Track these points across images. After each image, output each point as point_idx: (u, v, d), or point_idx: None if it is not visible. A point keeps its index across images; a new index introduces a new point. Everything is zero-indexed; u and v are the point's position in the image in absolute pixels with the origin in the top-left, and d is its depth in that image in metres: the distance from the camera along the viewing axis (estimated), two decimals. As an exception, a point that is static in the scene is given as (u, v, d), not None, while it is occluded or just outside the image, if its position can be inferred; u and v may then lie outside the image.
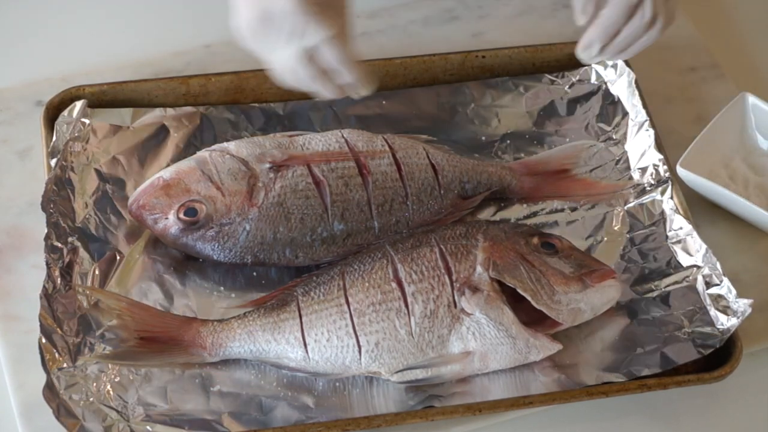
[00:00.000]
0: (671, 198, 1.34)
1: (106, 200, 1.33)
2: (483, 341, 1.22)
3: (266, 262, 1.29)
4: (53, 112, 1.38)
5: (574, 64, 1.46)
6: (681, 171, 1.36)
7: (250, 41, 1.15)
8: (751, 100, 1.41)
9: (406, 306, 1.22)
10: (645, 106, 1.41)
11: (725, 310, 1.26)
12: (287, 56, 1.15)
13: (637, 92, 1.41)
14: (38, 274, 1.26)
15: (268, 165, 1.30)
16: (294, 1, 1.12)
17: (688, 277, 1.30)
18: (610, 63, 1.44)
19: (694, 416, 1.26)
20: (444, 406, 1.20)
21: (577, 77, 1.45)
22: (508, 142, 1.41)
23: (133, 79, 1.41)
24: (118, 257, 1.29)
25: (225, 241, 1.28)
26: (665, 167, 1.36)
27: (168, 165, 1.34)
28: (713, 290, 1.27)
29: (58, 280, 1.25)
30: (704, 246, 1.29)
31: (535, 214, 1.36)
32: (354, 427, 1.19)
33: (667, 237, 1.33)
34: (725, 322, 1.25)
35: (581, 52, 1.25)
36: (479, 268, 1.23)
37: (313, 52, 1.14)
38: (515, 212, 1.37)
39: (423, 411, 1.20)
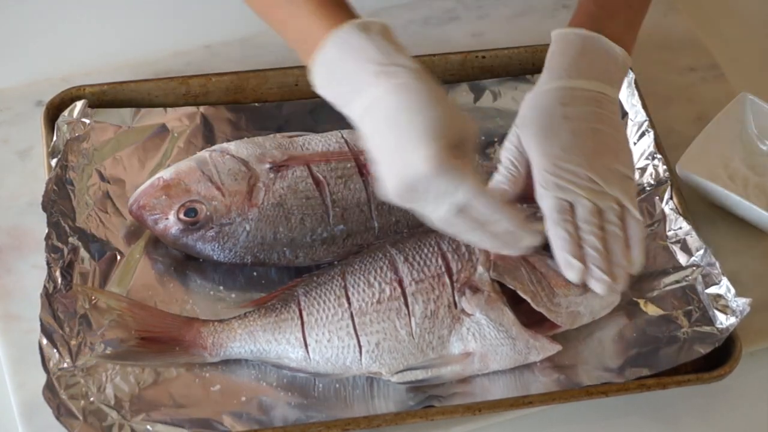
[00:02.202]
0: (671, 198, 1.34)
1: (106, 200, 1.33)
2: (483, 342, 1.22)
3: (266, 262, 1.29)
4: (53, 112, 1.38)
5: (574, 64, 1.46)
6: (680, 171, 1.36)
7: (402, 204, 1.12)
8: (751, 100, 1.41)
9: (407, 306, 1.22)
10: (645, 106, 1.40)
11: (724, 309, 1.26)
12: (440, 213, 1.12)
13: (636, 92, 1.41)
14: (39, 274, 1.26)
15: (268, 165, 1.30)
16: (432, 163, 1.07)
17: (687, 276, 1.30)
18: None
19: (694, 416, 1.26)
20: (444, 406, 1.20)
21: (577, 77, 1.45)
22: (508, 142, 1.41)
23: (133, 79, 1.41)
24: (118, 257, 1.29)
25: (225, 241, 1.28)
26: (665, 167, 1.36)
27: (168, 165, 1.34)
28: (712, 290, 1.27)
29: (59, 280, 1.25)
30: (703, 246, 1.29)
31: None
32: (354, 427, 1.19)
33: (666, 237, 1.33)
34: (724, 322, 1.25)
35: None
36: (480, 269, 1.23)
37: (464, 207, 1.11)
38: (515, 212, 1.36)
39: (423, 411, 1.20)
